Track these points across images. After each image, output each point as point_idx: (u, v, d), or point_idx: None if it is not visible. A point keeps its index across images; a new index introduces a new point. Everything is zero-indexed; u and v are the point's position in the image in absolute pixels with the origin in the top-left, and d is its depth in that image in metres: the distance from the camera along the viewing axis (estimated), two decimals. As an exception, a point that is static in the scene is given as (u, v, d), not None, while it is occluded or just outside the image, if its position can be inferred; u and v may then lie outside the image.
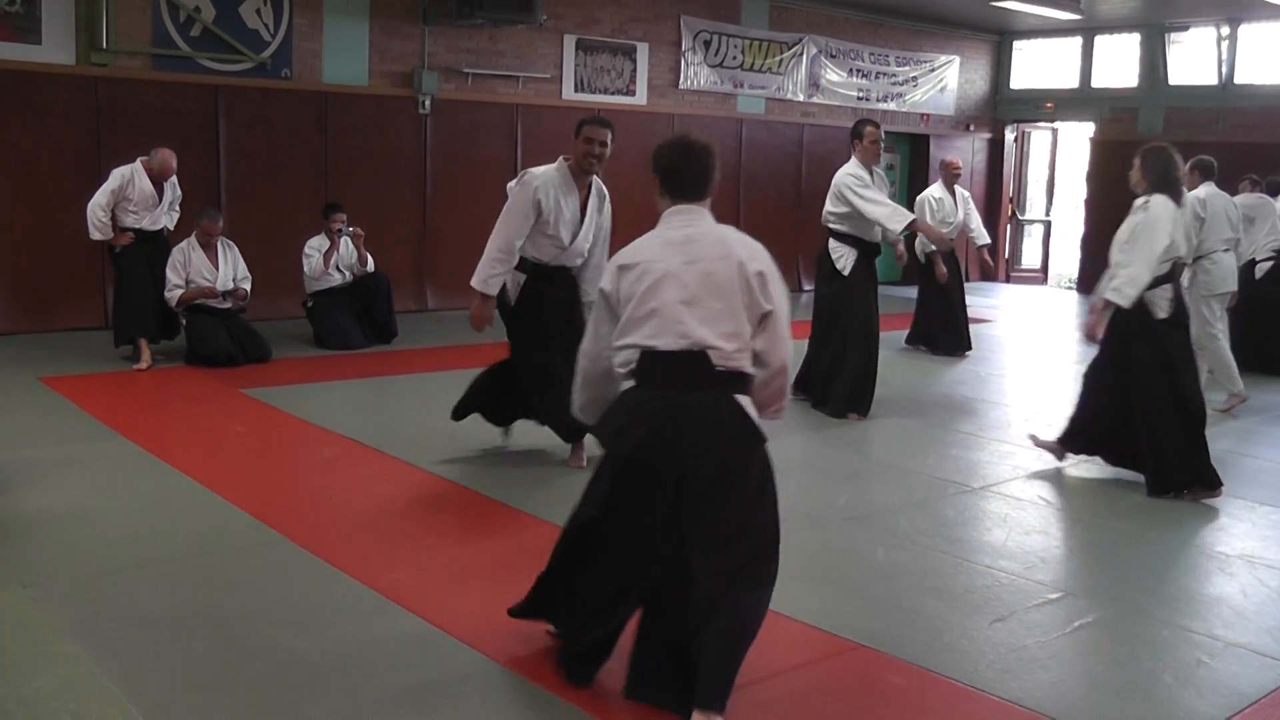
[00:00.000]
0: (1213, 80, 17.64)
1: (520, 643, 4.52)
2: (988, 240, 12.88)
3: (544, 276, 6.88)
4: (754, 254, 4.14)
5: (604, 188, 7.08)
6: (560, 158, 6.81)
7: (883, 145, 9.31)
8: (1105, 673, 4.54)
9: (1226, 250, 10.16)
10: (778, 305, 4.07)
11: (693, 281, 3.97)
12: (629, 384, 4.07)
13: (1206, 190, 10.35)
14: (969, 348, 12.12)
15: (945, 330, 12.13)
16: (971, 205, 12.54)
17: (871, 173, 9.06)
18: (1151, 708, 4.24)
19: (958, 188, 12.28)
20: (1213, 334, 9.75)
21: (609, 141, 6.70)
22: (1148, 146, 7.16)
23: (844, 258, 9.05)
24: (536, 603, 4.44)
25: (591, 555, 4.16)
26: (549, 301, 6.88)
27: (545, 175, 6.72)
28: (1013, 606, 5.14)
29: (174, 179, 9.94)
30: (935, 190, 12.24)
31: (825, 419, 8.77)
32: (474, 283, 6.72)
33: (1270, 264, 11.74)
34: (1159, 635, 4.93)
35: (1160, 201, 6.84)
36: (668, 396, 3.92)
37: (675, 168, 4.32)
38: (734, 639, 3.89)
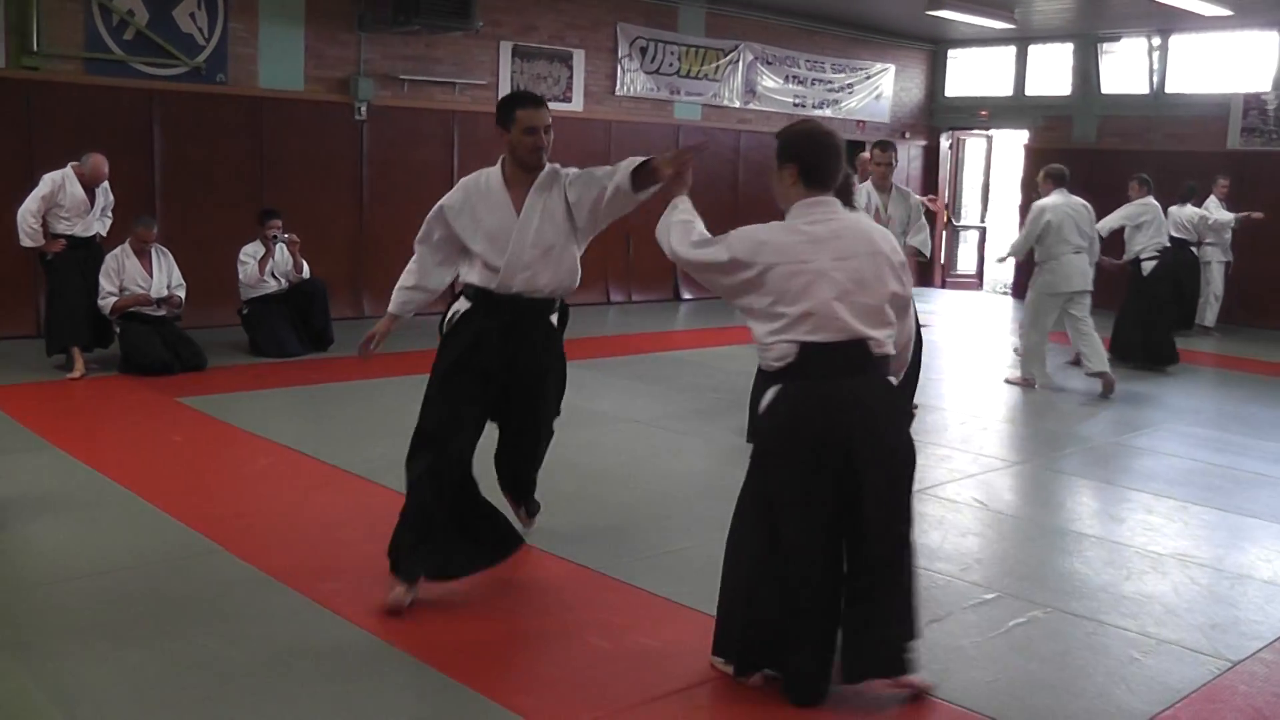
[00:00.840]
0: (1144, 89, 17.91)
1: (459, 649, 4.52)
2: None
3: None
4: (893, 245, 4.28)
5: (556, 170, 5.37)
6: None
7: (886, 168, 9.19)
8: (1039, 671, 4.59)
9: (1077, 253, 10.69)
10: (910, 290, 4.31)
11: (844, 279, 4.06)
12: (773, 375, 4.18)
13: (1057, 198, 10.78)
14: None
15: None
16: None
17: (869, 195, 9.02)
18: (1085, 704, 4.30)
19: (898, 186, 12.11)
20: (1040, 326, 10.80)
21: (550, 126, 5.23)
22: None
23: None
24: (751, 653, 4.29)
25: (790, 568, 4.13)
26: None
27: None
28: (949, 607, 5.19)
29: (106, 184, 9.83)
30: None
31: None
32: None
33: (1154, 263, 12.39)
34: (1092, 634, 5.00)
35: None
36: (830, 383, 4.06)
37: (817, 157, 4.27)
38: (912, 591, 4.21)
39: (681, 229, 4.49)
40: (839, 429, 4.04)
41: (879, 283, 4.11)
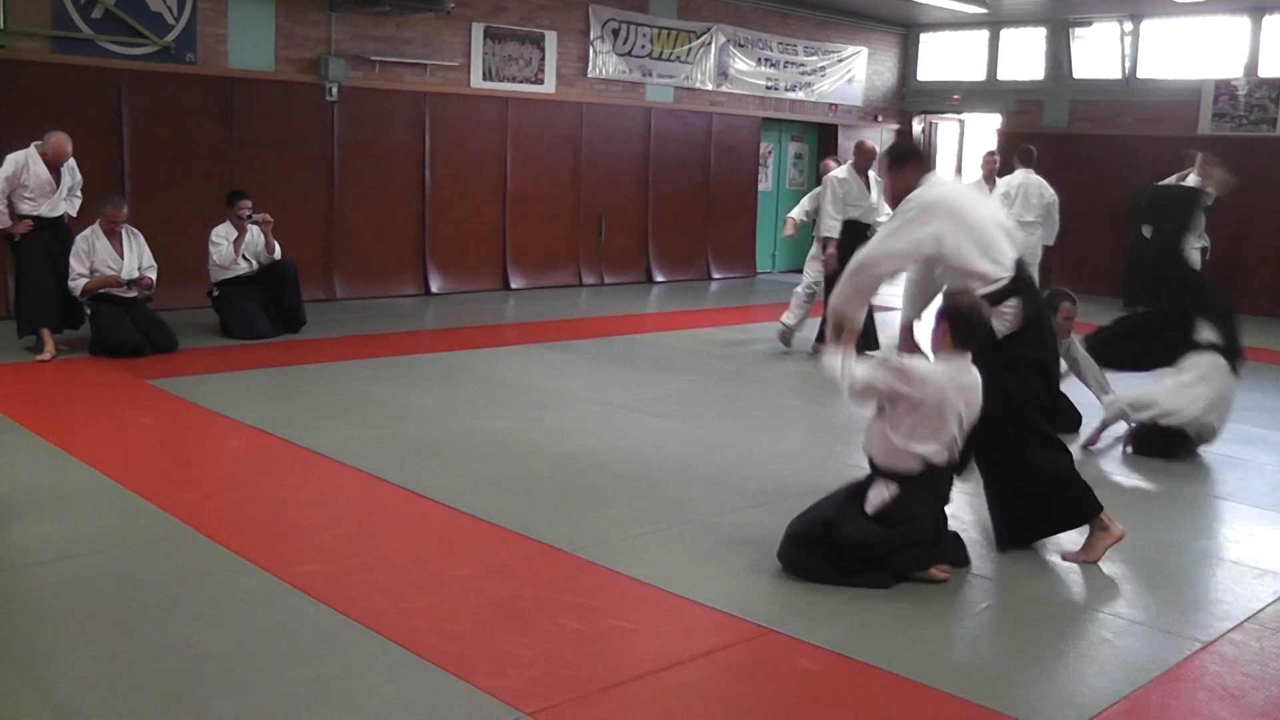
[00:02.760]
0: (1116, 74, 17.98)
1: (432, 631, 4.52)
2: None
3: None
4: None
5: None
6: None
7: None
8: (1012, 653, 4.62)
9: (1024, 226, 11.67)
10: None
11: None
12: None
13: (1020, 175, 12.21)
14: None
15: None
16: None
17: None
18: (1056, 685, 4.32)
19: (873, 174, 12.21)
20: None
21: None
22: None
23: None
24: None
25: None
26: None
27: None
28: (921, 590, 5.20)
29: (73, 163, 9.75)
30: (841, 171, 11.97)
31: (751, 400, 8.84)
32: None
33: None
34: (1064, 615, 5.03)
35: None
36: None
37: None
38: None
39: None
40: None
41: None
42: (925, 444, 5.14)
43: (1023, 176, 12.21)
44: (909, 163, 5.89)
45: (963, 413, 5.19)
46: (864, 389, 5.21)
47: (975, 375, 5.28)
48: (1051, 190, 12.67)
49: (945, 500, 5.44)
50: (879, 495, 5.20)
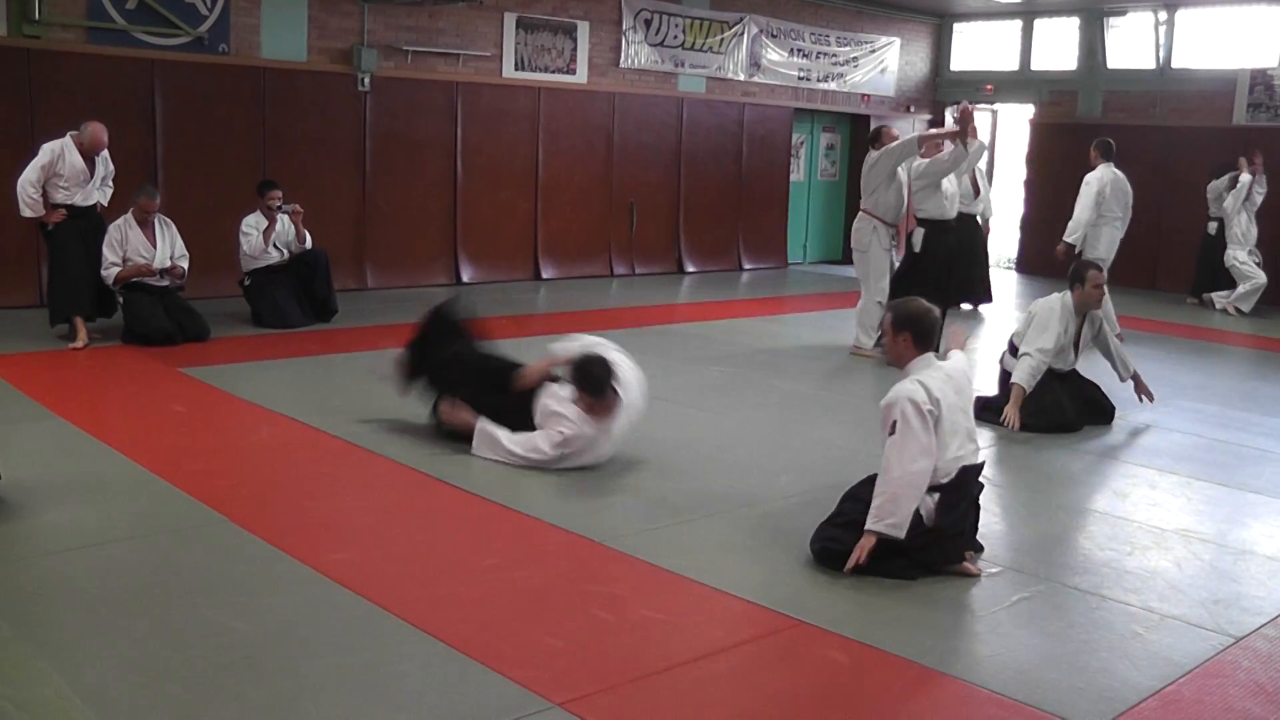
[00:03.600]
0: (1150, 64, 17.83)
1: (463, 621, 4.53)
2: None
3: None
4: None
5: None
6: None
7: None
8: (1043, 646, 4.60)
9: (1113, 225, 11.75)
10: None
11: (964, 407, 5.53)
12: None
13: (1105, 170, 11.82)
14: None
15: None
16: None
17: None
18: (1088, 679, 4.30)
19: None
20: None
21: None
22: None
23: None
24: None
25: None
26: None
27: None
28: (953, 583, 5.19)
29: (105, 154, 9.79)
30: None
31: (784, 392, 8.82)
32: None
33: None
34: (1095, 609, 5.00)
35: None
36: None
37: (926, 328, 5.43)
38: None
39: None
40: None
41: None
42: (952, 449, 5.26)
43: (1111, 173, 11.87)
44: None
45: (964, 404, 5.43)
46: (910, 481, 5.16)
47: (954, 358, 5.63)
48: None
49: (979, 492, 5.44)
50: (924, 507, 5.21)
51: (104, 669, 4.02)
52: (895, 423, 5.16)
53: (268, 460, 6.80)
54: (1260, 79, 16.63)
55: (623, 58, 15.82)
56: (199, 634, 4.32)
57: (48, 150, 9.48)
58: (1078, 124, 18.13)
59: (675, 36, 16.38)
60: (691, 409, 8.36)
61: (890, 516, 5.07)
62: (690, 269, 16.89)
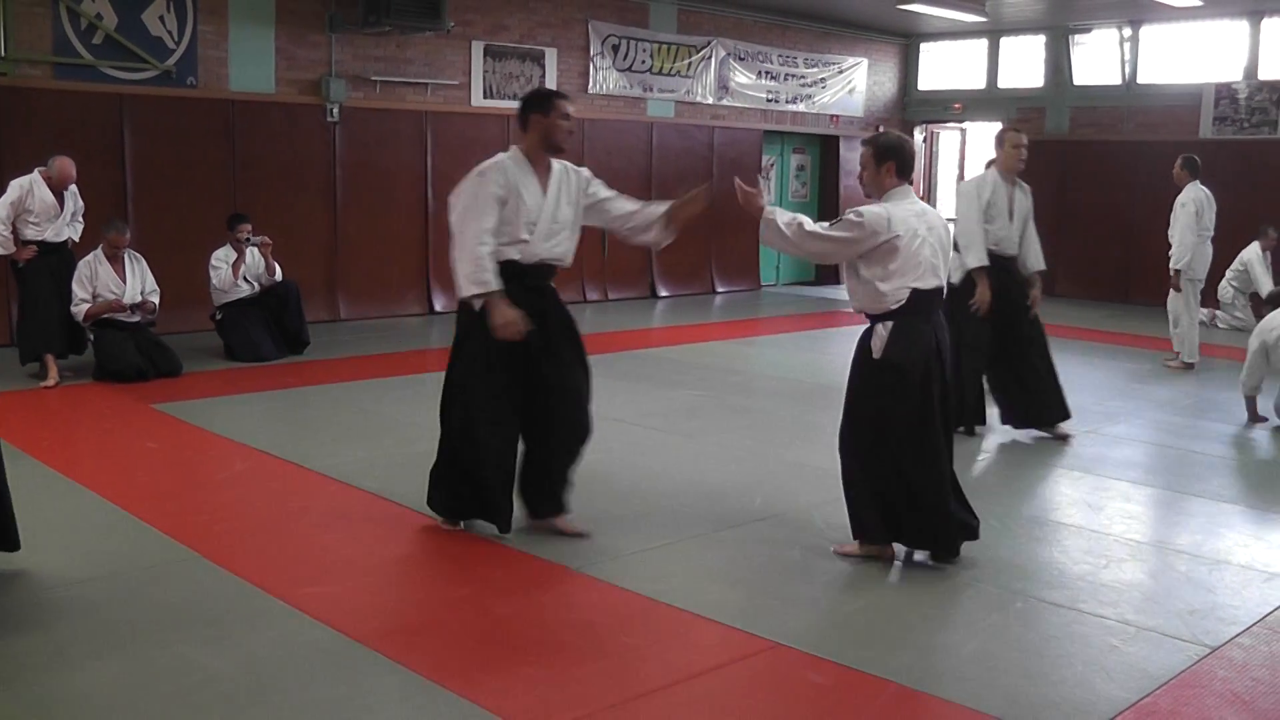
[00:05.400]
0: (1116, 80, 17.99)
1: (437, 651, 4.51)
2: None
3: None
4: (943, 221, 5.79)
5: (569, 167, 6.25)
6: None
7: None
8: (1019, 661, 4.60)
9: (1205, 242, 11.52)
10: None
11: (934, 242, 5.57)
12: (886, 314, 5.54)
13: (1195, 188, 11.49)
14: None
15: None
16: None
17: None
18: (1064, 693, 4.30)
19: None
20: (1191, 310, 11.59)
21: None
22: None
23: None
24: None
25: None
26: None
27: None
28: (928, 601, 5.19)
29: (75, 189, 9.77)
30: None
31: (758, 414, 8.83)
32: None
33: None
34: (1072, 623, 5.00)
35: None
36: (929, 318, 5.59)
37: (907, 156, 5.68)
38: None
39: (797, 225, 5.61)
40: (936, 353, 5.58)
41: (946, 244, 5.73)
42: (909, 277, 5.51)
43: (1200, 190, 11.50)
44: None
45: (933, 240, 5.60)
46: (820, 242, 5.60)
47: (925, 205, 5.82)
48: None
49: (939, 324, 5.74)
50: (879, 337, 5.56)
51: (76, 708, 3.99)
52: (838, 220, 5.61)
53: (242, 495, 6.76)
54: (1225, 92, 16.79)
55: (591, 84, 15.87)
56: (171, 672, 4.28)
57: (16, 186, 9.45)
58: (1046, 140, 18.25)
59: (643, 61, 16.44)
60: (665, 433, 8.36)
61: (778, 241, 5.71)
62: (663, 293, 16.92)
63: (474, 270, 5.61)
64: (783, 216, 5.64)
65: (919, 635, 4.81)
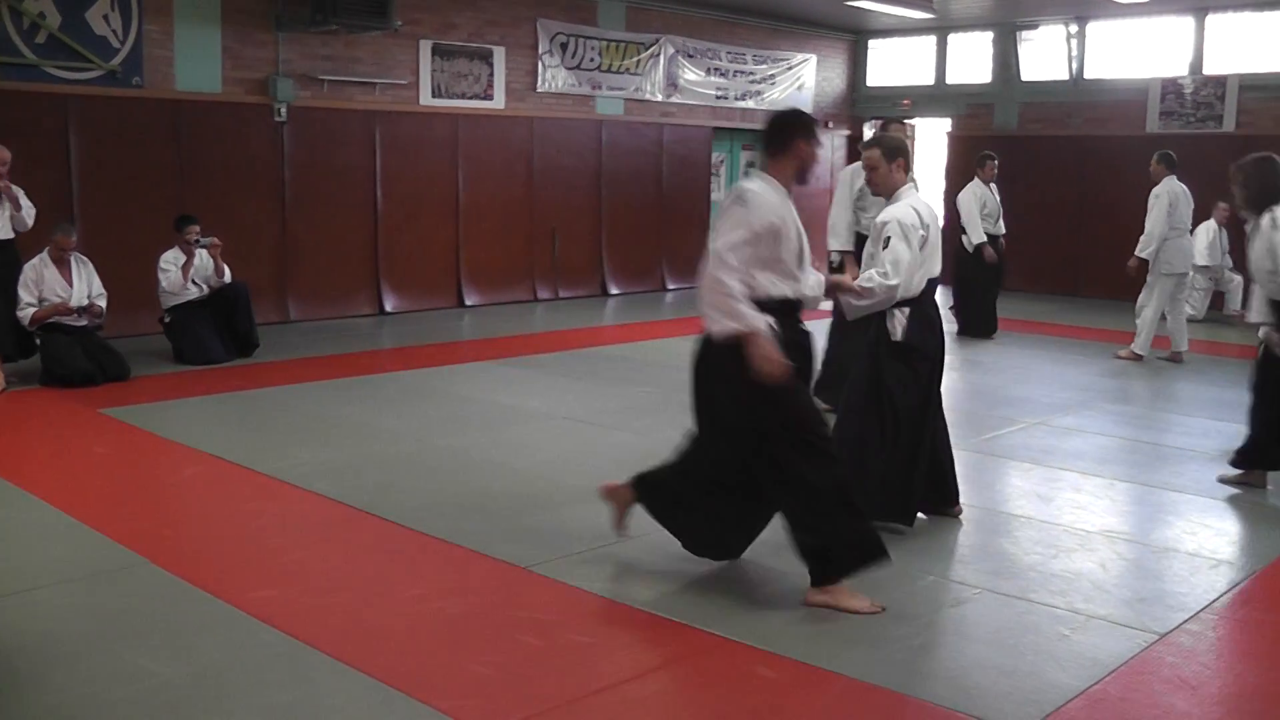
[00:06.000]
0: (1064, 76, 18.14)
1: (388, 653, 4.49)
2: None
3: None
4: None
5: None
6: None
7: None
8: (970, 651, 4.63)
9: (1182, 236, 11.67)
10: None
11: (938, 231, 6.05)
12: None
13: (1170, 182, 11.68)
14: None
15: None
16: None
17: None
18: (1015, 682, 4.33)
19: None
20: (1158, 304, 11.61)
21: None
22: (1254, 160, 7.07)
23: None
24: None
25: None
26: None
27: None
28: (881, 591, 5.21)
29: (22, 193, 9.65)
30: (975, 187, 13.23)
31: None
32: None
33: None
34: (1023, 613, 5.04)
35: None
36: (935, 305, 6.15)
37: (910, 153, 6.04)
38: None
39: (875, 283, 5.86)
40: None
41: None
42: (929, 266, 5.95)
43: (1178, 186, 11.73)
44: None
45: (936, 229, 6.01)
46: (906, 271, 5.83)
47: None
48: None
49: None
50: (898, 322, 5.92)
51: None
52: (889, 239, 5.81)
53: (192, 500, 6.71)
54: (1171, 87, 16.97)
55: (540, 82, 15.83)
56: (121, 680, 4.24)
57: None
58: (994, 136, 18.39)
59: (592, 59, 16.42)
60: (618, 430, 8.36)
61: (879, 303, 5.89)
62: (614, 291, 16.91)
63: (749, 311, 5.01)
64: (864, 285, 5.86)
65: (870, 628, 4.83)
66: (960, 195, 13.22)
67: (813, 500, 4.95)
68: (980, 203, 13.13)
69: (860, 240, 8.57)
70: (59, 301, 9.61)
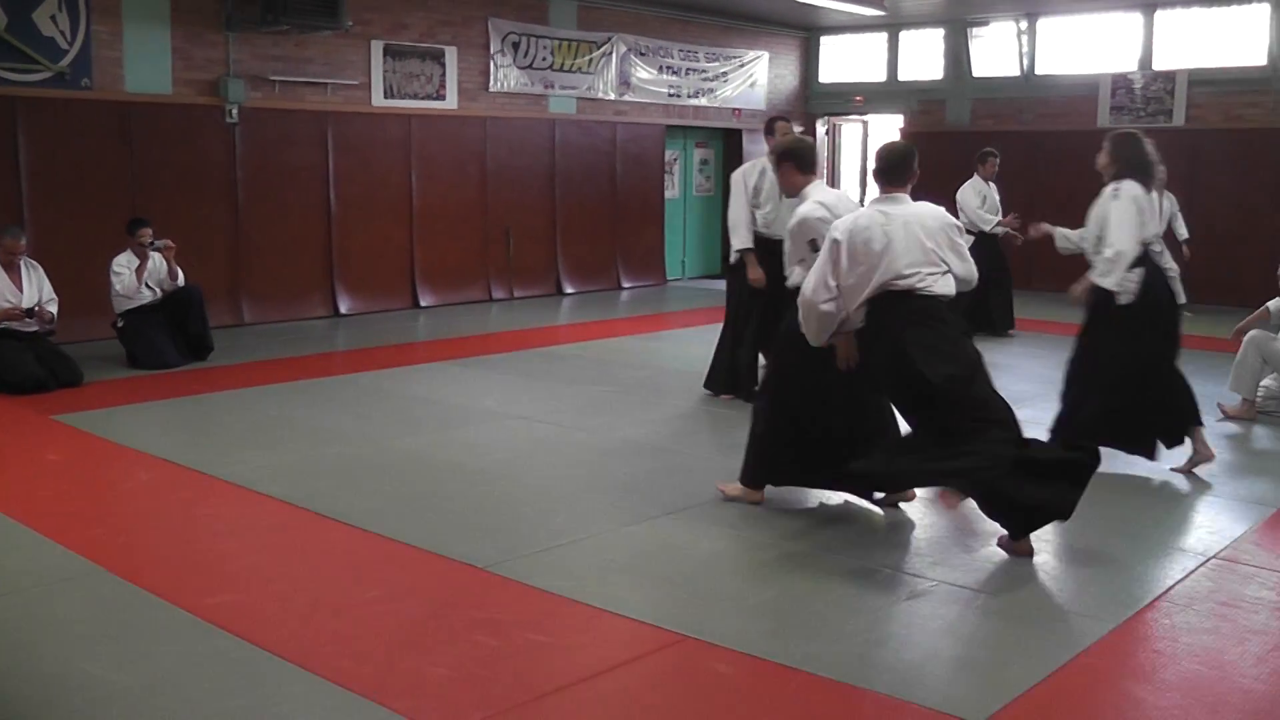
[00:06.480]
0: (1015, 72, 18.28)
1: (344, 656, 4.48)
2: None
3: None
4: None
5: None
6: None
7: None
8: (927, 644, 4.68)
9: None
10: None
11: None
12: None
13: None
14: None
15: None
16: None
17: None
18: (972, 673, 4.38)
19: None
20: None
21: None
22: (1117, 133, 7.59)
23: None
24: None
25: None
26: None
27: None
28: (838, 588, 5.24)
29: None
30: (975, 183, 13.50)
31: (665, 410, 8.86)
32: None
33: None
34: (979, 604, 5.09)
35: (1131, 185, 7.14)
36: None
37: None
38: None
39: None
40: None
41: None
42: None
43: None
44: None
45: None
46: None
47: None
48: None
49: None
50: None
51: (-25, 728, 3.92)
52: (813, 240, 6.06)
53: (145, 505, 6.67)
54: (1121, 83, 17.13)
55: (492, 81, 15.80)
56: (74, 689, 4.21)
57: None
58: (947, 132, 18.52)
59: (544, 58, 16.40)
60: (573, 429, 8.37)
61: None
62: (570, 290, 16.91)
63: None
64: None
65: (827, 623, 4.86)
66: (961, 191, 13.25)
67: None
68: (980, 198, 13.39)
69: (759, 238, 9.03)
70: (9, 307, 9.51)
